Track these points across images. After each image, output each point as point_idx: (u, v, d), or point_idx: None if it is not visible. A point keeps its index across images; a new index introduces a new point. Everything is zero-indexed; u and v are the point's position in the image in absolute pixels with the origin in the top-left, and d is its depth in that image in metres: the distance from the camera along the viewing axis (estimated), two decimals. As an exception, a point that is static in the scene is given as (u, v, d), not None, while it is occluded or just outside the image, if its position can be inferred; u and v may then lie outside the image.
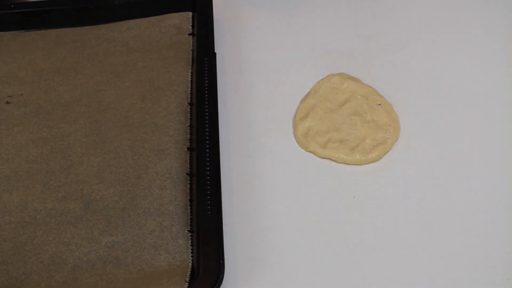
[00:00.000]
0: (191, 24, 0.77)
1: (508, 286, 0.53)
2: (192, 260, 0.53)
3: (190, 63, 0.71)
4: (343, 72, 0.72)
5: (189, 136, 0.63)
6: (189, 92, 0.68)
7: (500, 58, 0.75)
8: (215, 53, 0.70)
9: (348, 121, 0.66)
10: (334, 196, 0.61)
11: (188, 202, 0.58)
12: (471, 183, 0.62)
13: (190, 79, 0.69)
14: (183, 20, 0.77)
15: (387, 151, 0.64)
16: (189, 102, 0.67)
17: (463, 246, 0.56)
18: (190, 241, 0.55)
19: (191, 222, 0.56)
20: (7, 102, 0.69)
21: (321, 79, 0.71)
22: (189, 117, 0.65)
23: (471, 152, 0.64)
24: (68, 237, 0.56)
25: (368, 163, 0.64)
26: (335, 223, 0.59)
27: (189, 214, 0.57)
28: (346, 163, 0.64)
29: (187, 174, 0.60)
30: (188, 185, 0.59)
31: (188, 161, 0.61)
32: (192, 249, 0.54)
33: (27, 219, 0.57)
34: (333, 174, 0.63)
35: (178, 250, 0.54)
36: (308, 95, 0.69)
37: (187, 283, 0.51)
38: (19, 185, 0.60)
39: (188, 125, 0.64)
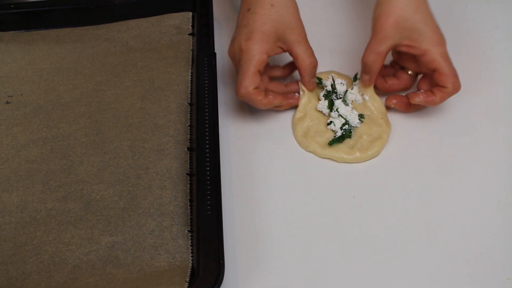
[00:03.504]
0: (191, 24, 0.77)
1: (508, 286, 0.53)
2: (192, 260, 0.53)
3: (190, 63, 0.71)
4: (331, 70, 0.72)
5: (189, 136, 0.63)
6: (189, 92, 0.68)
7: (490, 52, 0.75)
8: (215, 53, 0.70)
9: None
10: (334, 196, 0.61)
11: (188, 202, 0.58)
12: (471, 183, 0.62)
13: (190, 79, 0.69)
14: (183, 20, 0.77)
15: (385, 145, 0.65)
16: (189, 102, 0.67)
17: (463, 246, 0.56)
18: (190, 241, 0.55)
19: (191, 222, 0.56)
20: (7, 102, 0.69)
21: None
22: (189, 117, 0.65)
23: (470, 151, 0.65)
24: (68, 237, 0.56)
25: (368, 159, 0.64)
26: (335, 223, 0.59)
27: (189, 214, 0.57)
28: (346, 162, 0.64)
29: (187, 174, 0.60)
30: (188, 185, 0.59)
31: (188, 161, 0.61)
32: (192, 249, 0.54)
33: (27, 219, 0.57)
34: (333, 174, 0.63)
35: (178, 250, 0.54)
36: (301, 95, 0.69)
37: (187, 283, 0.51)
38: (19, 185, 0.60)
39: (188, 125, 0.64)
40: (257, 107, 0.65)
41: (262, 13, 0.64)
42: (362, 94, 0.68)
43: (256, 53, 0.62)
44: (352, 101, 0.68)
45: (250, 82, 0.62)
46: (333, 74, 0.69)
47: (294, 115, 0.68)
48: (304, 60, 0.65)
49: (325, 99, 0.67)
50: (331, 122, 0.66)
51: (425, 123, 0.67)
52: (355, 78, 0.69)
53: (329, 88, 0.68)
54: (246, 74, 0.62)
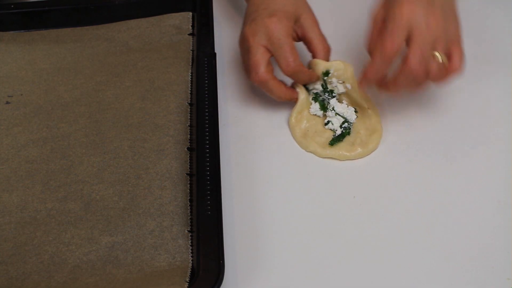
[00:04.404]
0: (191, 24, 0.77)
1: (508, 286, 0.53)
2: (192, 260, 0.53)
3: (190, 63, 0.71)
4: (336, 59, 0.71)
5: (189, 136, 0.63)
6: (189, 92, 0.68)
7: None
8: (215, 53, 0.70)
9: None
10: (334, 196, 0.61)
11: (188, 202, 0.58)
12: (471, 182, 0.62)
13: (190, 79, 0.69)
14: (183, 20, 0.77)
15: (381, 137, 0.65)
16: (189, 102, 0.67)
17: (464, 246, 0.56)
18: (190, 241, 0.55)
19: (191, 222, 0.56)
20: (7, 102, 0.69)
21: None
22: (189, 117, 0.65)
23: (469, 151, 0.64)
24: (68, 237, 0.56)
25: (370, 153, 0.64)
26: (335, 223, 0.59)
27: (189, 214, 0.57)
28: (349, 159, 0.64)
29: (187, 174, 0.60)
30: (188, 185, 0.59)
31: (188, 161, 0.61)
32: (192, 249, 0.54)
33: (27, 219, 0.57)
34: (333, 174, 0.63)
35: (178, 250, 0.54)
36: (298, 93, 0.68)
37: (187, 283, 0.51)
38: (19, 185, 0.60)
39: (188, 125, 0.64)
40: (303, 81, 0.66)
41: None
42: (343, 82, 0.67)
43: (286, 29, 0.63)
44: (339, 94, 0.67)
45: (295, 55, 0.63)
46: (323, 78, 0.68)
47: (290, 118, 0.67)
48: (318, 45, 0.66)
49: (315, 102, 0.67)
50: (328, 121, 0.66)
51: (423, 123, 0.67)
52: (326, 74, 0.67)
53: (315, 90, 0.67)
54: (287, 49, 0.62)
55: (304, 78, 0.65)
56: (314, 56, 0.67)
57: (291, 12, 0.65)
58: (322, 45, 0.66)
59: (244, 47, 0.65)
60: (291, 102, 0.67)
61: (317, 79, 0.67)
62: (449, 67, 0.59)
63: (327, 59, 0.67)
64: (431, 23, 0.57)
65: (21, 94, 0.70)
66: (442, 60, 0.58)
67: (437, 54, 0.58)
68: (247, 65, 0.65)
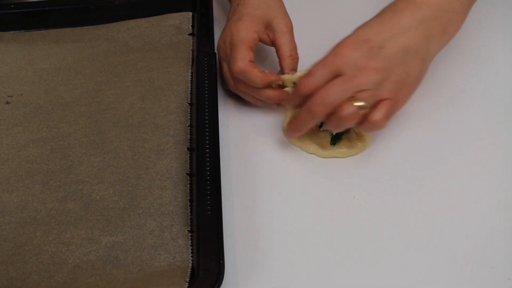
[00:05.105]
0: (191, 24, 0.77)
1: (508, 286, 0.53)
2: (192, 260, 0.53)
3: (190, 63, 0.71)
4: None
5: (189, 136, 0.63)
6: (189, 92, 0.68)
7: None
8: (215, 53, 0.70)
9: None
10: (333, 196, 0.61)
11: (188, 202, 0.58)
12: (471, 182, 0.62)
13: (190, 79, 0.70)
14: (183, 20, 0.77)
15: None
16: (189, 102, 0.67)
17: (464, 246, 0.56)
18: (190, 241, 0.55)
19: (191, 222, 0.56)
20: (7, 102, 0.69)
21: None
22: (189, 117, 0.65)
23: (469, 151, 0.64)
24: (68, 237, 0.56)
25: (368, 145, 0.64)
26: (335, 223, 0.59)
27: (189, 214, 0.57)
28: (351, 155, 0.64)
29: (187, 174, 0.60)
30: (188, 185, 0.59)
31: (188, 161, 0.61)
32: (192, 249, 0.54)
33: (27, 219, 0.57)
34: (332, 173, 0.63)
35: (178, 250, 0.54)
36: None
37: (187, 283, 0.51)
38: (19, 185, 0.60)
39: (188, 125, 0.64)
40: (255, 82, 0.62)
41: (252, 3, 0.66)
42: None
43: (247, 31, 0.64)
44: None
45: (244, 55, 0.62)
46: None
47: (284, 124, 0.66)
48: (285, 51, 0.65)
49: None
50: (322, 124, 0.66)
51: (421, 120, 0.67)
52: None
53: None
54: (239, 49, 0.63)
55: (255, 79, 0.62)
56: (279, 63, 0.66)
57: (260, 16, 0.65)
58: (289, 53, 0.65)
59: (219, 55, 0.68)
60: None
61: (277, 81, 0.64)
62: (368, 116, 0.56)
63: (292, 67, 0.65)
64: (363, 72, 0.54)
65: (21, 94, 0.70)
66: (361, 107, 0.55)
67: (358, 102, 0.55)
68: (226, 75, 0.67)
